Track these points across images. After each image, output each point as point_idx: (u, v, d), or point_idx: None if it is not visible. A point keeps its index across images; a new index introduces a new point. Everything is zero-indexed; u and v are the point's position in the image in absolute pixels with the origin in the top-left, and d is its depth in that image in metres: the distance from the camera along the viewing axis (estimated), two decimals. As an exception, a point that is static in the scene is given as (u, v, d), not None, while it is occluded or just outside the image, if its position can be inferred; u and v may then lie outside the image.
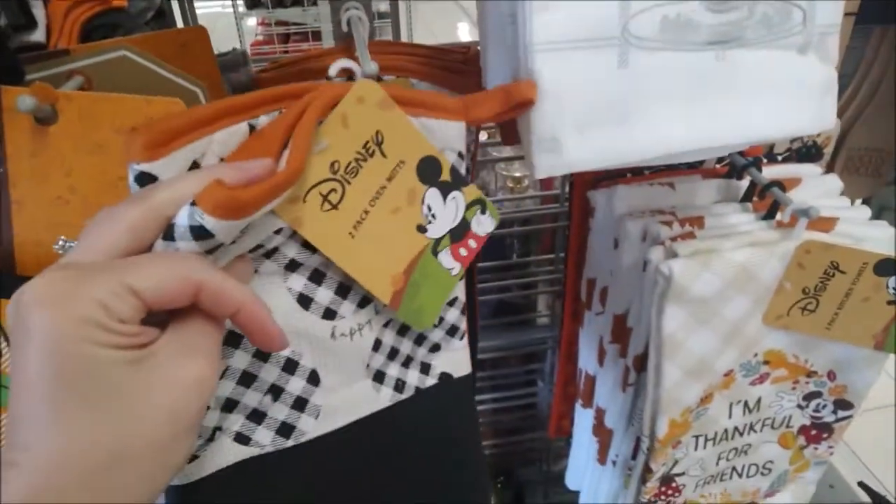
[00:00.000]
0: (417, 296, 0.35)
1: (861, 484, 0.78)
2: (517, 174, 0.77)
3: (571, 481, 0.67)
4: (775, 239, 0.44)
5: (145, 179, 0.26)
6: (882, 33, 0.61)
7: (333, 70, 0.33)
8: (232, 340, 0.31)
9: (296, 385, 0.34)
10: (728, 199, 0.51)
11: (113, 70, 0.36)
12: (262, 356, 0.33)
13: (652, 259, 0.44)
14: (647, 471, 0.50)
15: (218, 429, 0.32)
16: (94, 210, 0.36)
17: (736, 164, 0.50)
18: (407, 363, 0.39)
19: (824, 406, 0.51)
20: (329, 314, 0.34)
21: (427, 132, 0.33)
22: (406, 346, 0.39)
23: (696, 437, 0.50)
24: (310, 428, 0.35)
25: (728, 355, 0.47)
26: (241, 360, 0.32)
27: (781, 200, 0.45)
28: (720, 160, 0.54)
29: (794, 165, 0.53)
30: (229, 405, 0.32)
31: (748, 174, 0.49)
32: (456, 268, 0.37)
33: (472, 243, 0.37)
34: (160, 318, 0.24)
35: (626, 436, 0.54)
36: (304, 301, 0.33)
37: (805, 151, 0.61)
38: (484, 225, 0.37)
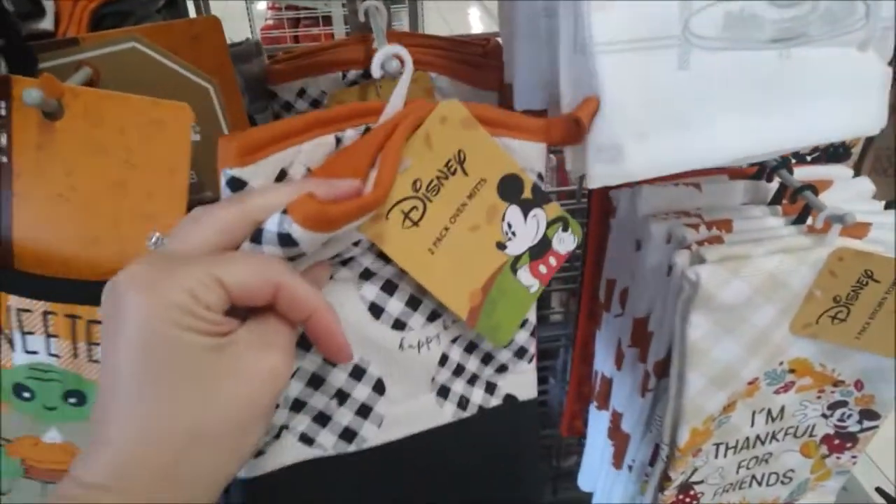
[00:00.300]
0: (494, 312, 0.35)
1: (879, 490, 0.77)
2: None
3: (584, 482, 0.66)
4: (807, 245, 0.43)
5: (236, 184, 0.27)
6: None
7: (377, 63, 0.30)
8: (304, 343, 0.32)
9: (361, 392, 0.34)
10: (756, 202, 0.49)
11: (122, 62, 0.35)
12: (331, 363, 0.33)
13: (678, 263, 0.43)
14: (665, 479, 0.49)
15: (285, 427, 0.33)
16: (93, 212, 0.35)
17: (765, 166, 0.48)
18: (472, 381, 0.39)
19: (849, 416, 0.50)
20: (399, 325, 0.34)
21: (508, 152, 0.33)
22: (472, 364, 0.39)
23: (717, 445, 0.49)
24: (372, 436, 0.35)
25: (753, 364, 0.45)
26: (311, 362, 0.33)
27: (814, 205, 0.43)
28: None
29: (824, 167, 0.51)
30: (297, 405, 0.33)
31: (778, 176, 0.47)
32: (535, 285, 0.36)
33: (553, 261, 0.37)
34: (241, 314, 0.26)
35: (643, 441, 0.52)
36: (376, 310, 0.33)
37: (833, 151, 0.59)
38: (566, 243, 0.37)
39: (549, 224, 0.36)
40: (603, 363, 0.59)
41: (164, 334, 0.23)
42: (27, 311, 0.38)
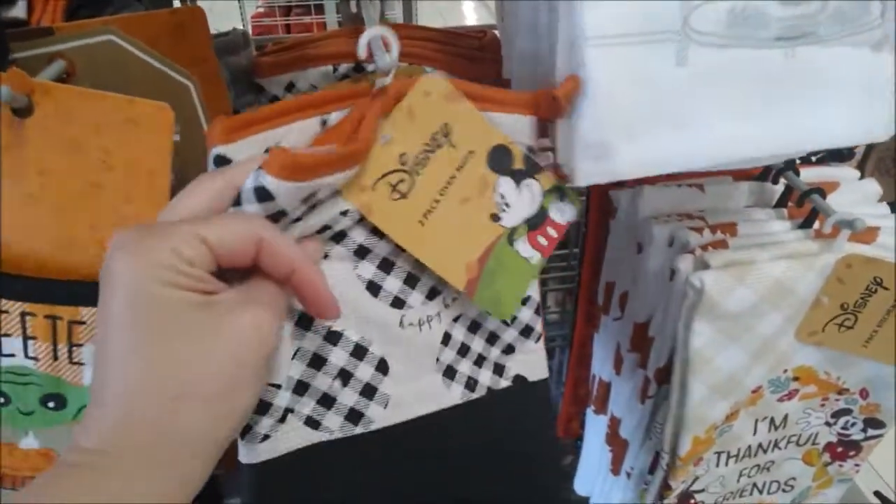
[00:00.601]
0: (493, 284, 0.35)
1: (877, 493, 0.76)
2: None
3: (581, 486, 0.65)
4: (814, 251, 0.41)
5: (221, 161, 0.28)
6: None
7: (363, 43, 0.29)
8: (303, 323, 0.32)
9: (364, 371, 0.34)
10: (761, 204, 0.47)
11: (98, 55, 0.32)
12: (333, 340, 0.33)
13: (681, 269, 0.41)
14: (665, 487, 0.48)
15: (290, 410, 0.33)
16: (68, 213, 0.33)
17: (771, 167, 0.46)
18: (479, 362, 0.38)
19: (853, 424, 0.49)
20: (397, 303, 0.34)
21: (496, 126, 0.33)
22: (478, 345, 0.38)
23: (719, 453, 0.48)
24: (378, 417, 0.35)
25: (757, 371, 0.44)
26: (311, 342, 0.32)
27: (822, 210, 0.42)
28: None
29: (829, 168, 0.50)
30: (300, 387, 0.33)
31: (784, 178, 0.45)
32: (535, 256, 0.36)
33: (552, 231, 0.36)
34: (230, 281, 0.27)
35: (642, 448, 0.51)
36: (374, 288, 0.33)
37: (836, 152, 0.57)
38: (565, 213, 0.37)
39: (546, 194, 0.35)
40: (601, 367, 0.57)
41: (150, 292, 0.23)
42: (4, 312, 0.36)
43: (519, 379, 0.39)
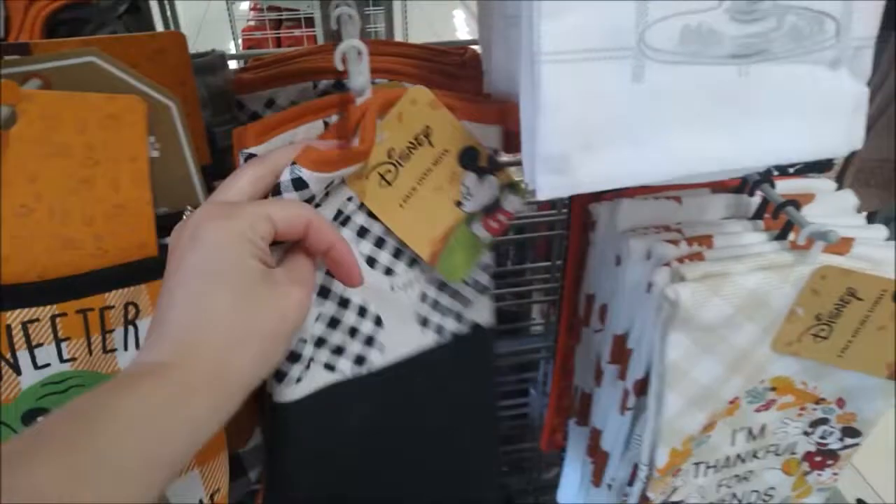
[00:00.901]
0: (452, 256, 0.43)
1: (860, 502, 0.76)
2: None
3: (563, 497, 0.65)
4: (789, 262, 0.42)
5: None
6: (893, 40, 0.58)
7: (338, 56, 0.35)
8: (323, 293, 0.40)
9: (367, 326, 0.43)
10: (738, 216, 0.48)
11: (78, 76, 0.33)
12: (345, 304, 0.41)
13: (657, 282, 0.42)
14: (644, 500, 0.48)
15: (312, 359, 0.41)
16: (63, 214, 0.35)
17: (747, 179, 0.47)
18: (445, 313, 0.47)
19: (831, 433, 0.49)
20: (388, 272, 0.43)
21: (468, 131, 0.40)
22: (445, 300, 0.47)
23: (697, 464, 0.48)
24: (377, 359, 0.44)
25: (734, 383, 0.44)
26: (329, 308, 0.41)
27: (797, 222, 0.42)
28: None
29: (806, 180, 0.50)
30: (320, 342, 0.41)
31: (760, 190, 0.46)
32: (487, 236, 0.45)
33: (502, 217, 0.45)
34: (277, 256, 0.33)
35: (622, 460, 0.51)
36: (371, 262, 0.42)
37: (815, 163, 0.58)
38: (513, 203, 0.45)
39: (501, 188, 0.44)
40: (583, 378, 0.58)
41: (231, 255, 0.29)
42: (34, 321, 0.36)
43: (475, 325, 0.49)
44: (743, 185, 0.48)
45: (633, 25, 0.29)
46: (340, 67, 0.35)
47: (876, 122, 0.62)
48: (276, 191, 0.33)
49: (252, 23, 2.21)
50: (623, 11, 0.29)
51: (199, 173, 0.37)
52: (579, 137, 0.30)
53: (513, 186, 0.44)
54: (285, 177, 0.33)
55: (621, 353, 0.49)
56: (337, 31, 0.44)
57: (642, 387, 0.47)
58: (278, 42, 2.14)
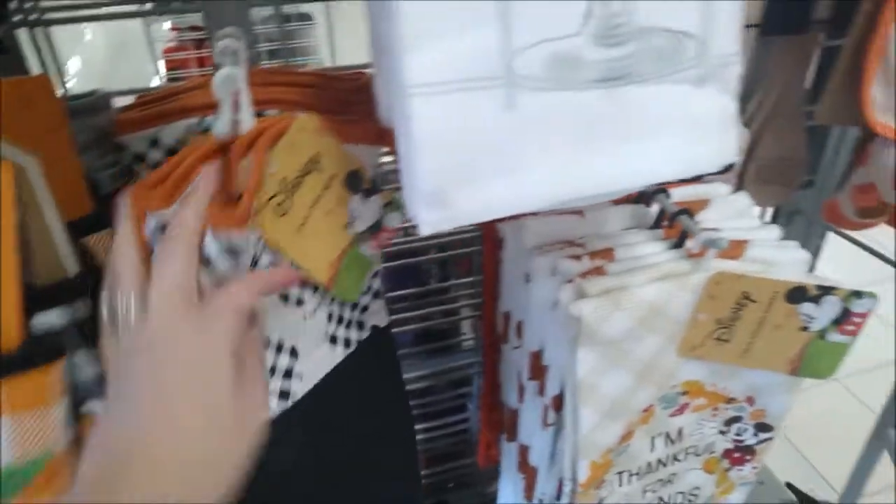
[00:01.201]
0: (346, 278, 0.44)
1: (788, 485, 0.79)
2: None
3: (502, 514, 0.65)
4: (685, 270, 0.43)
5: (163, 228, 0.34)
6: (785, 43, 0.61)
7: (213, 87, 0.35)
8: None
9: (284, 361, 0.44)
10: (639, 226, 0.49)
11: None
12: (265, 346, 0.41)
13: (562, 299, 0.42)
14: (571, 514, 0.48)
15: None
16: None
17: (644, 191, 0.48)
18: (349, 325, 0.49)
19: (745, 430, 0.50)
20: (299, 303, 0.43)
21: (353, 154, 0.42)
22: (347, 313, 0.49)
23: (620, 473, 0.48)
24: (299, 389, 0.45)
25: (645, 391, 0.45)
26: None
27: (690, 230, 0.43)
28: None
29: (702, 186, 0.52)
30: None
31: (656, 201, 0.47)
32: (373, 254, 0.46)
33: (385, 235, 0.47)
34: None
35: (549, 475, 0.51)
36: (284, 297, 0.42)
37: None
38: (394, 220, 0.47)
39: (383, 207, 0.45)
40: (508, 395, 0.58)
41: (210, 374, 0.29)
42: None
43: (374, 327, 0.52)
44: (641, 195, 0.49)
45: (499, 54, 0.29)
46: (217, 96, 0.35)
47: (771, 123, 0.64)
48: (205, 263, 0.33)
49: (172, 43, 2.15)
50: (488, 40, 0.29)
51: (67, 240, 0.34)
52: (456, 171, 0.30)
53: (393, 204, 0.46)
54: (213, 251, 0.33)
55: (539, 369, 0.49)
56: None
57: (559, 402, 0.47)
58: (201, 62, 2.09)
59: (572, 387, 0.43)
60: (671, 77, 0.32)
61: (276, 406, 0.43)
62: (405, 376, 0.76)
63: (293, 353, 0.44)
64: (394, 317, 0.74)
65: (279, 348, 0.43)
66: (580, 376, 0.42)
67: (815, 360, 0.45)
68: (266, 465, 0.42)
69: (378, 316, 0.52)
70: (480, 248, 0.70)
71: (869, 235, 0.67)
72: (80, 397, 0.36)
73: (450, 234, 0.70)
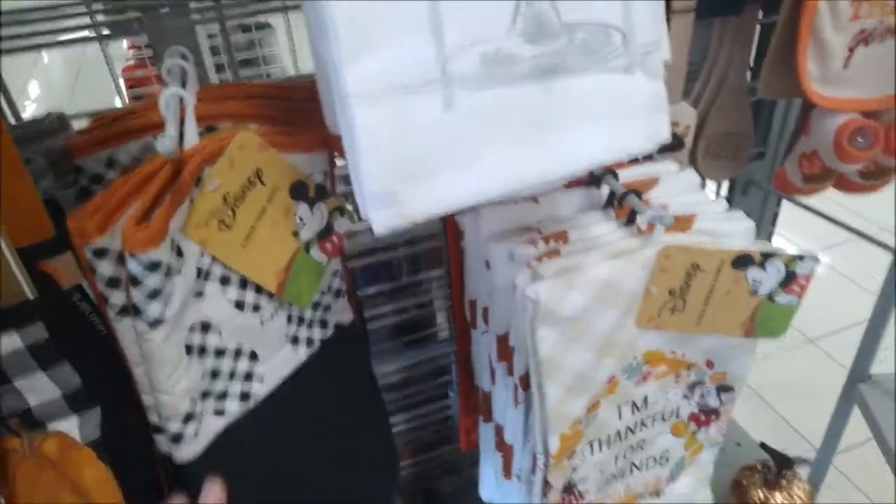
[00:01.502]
0: (297, 283, 0.46)
1: (762, 445, 0.82)
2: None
3: (485, 493, 0.67)
4: (636, 247, 0.45)
5: (100, 254, 0.36)
6: (723, 23, 0.63)
7: (160, 105, 0.37)
8: (202, 350, 0.41)
9: (243, 364, 0.45)
10: (591, 207, 0.51)
11: None
12: (221, 354, 0.43)
13: (519, 284, 0.44)
14: (546, 485, 0.50)
15: (202, 413, 0.42)
16: None
17: (593, 173, 0.50)
18: (311, 325, 0.51)
19: (708, 392, 0.53)
20: (256, 308, 0.44)
21: (297, 163, 0.43)
22: (308, 313, 0.50)
23: (591, 442, 0.51)
24: (260, 390, 0.46)
25: (607, 364, 0.47)
26: (209, 363, 0.42)
27: (637, 209, 0.45)
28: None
29: (651, 165, 0.54)
30: (205, 394, 0.42)
31: (605, 183, 0.49)
32: (324, 258, 0.48)
33: (335, 239, 0.48)
34: None
35: (524, 450, 0.53)
36: (239, 305, 0.43)
37: (667, 144, 0.62)
38: (343, 224, 0.48)
39: (330, 212, 0.47)
40: (480, 378, 0.60)
41: None
42: None
43: (337, 326, 0.53)
44: (592, 179, 0.51)
45: (433, 58, 0.31)
46: (164, 116, 0.37)
47: (717, 101, 0.66)
48: (134, 281, 0.34)
49: (132, 62, 2.13)
50: (422, 46, 0.31)
51: (19, 265, 0.35)
52: (401, 171, 0.32)
53: (341, 209, 0.47)
54: (134, 269, 0.34)
55: (505, 351, 0.51)
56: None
57: (527, 381, 0.49)
58: (161, 79, 2.07)
59: (536, 365, 0.45)
60: (600, 67, 0.34)
61: (236, 408, 0.45)
62: (384, 370, 0.78)
63: (253, 356, 0.45)
64: (369, 312, 0.76)
65: (237, 354, 0.44)
66: (542, 355, 0.44)
67: (766, 322, 0.48)
68: (233, 466, 0.43)
69: (341, 314, 0.53)
70: (443, 243, 0.72)
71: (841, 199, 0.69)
72: (39, 419, 0.37)
73: (415, 229, 0.71)
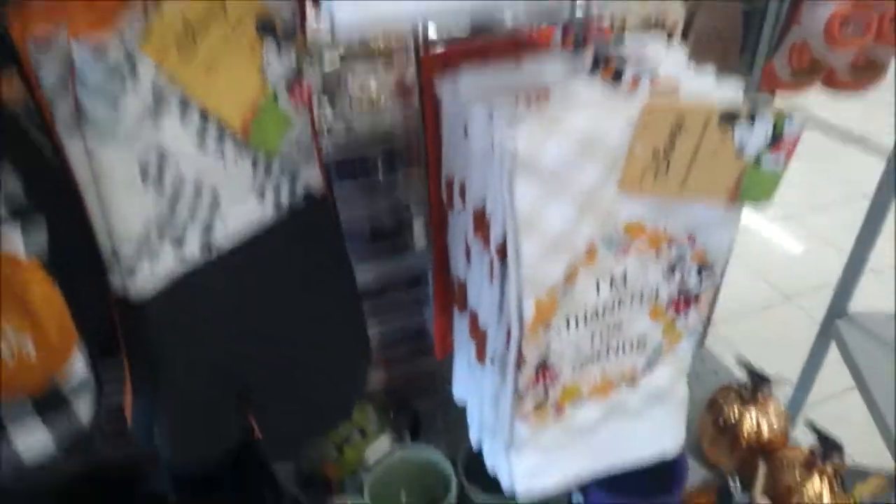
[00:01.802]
0: (262, 128, 0.44)
1: (739, 361, 0.81)
2: (373, 93, 0.73)
3: (458, 391, 0.66)
4: (620, 101, 0.43)
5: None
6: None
7: None
8: (160, 176, 0.40)
9: (205, 207, 0.43)
10: (577, 73, 0.49)
11: None
12: (180, 184, 0.41)
13: (496, 134, 0.42)
14: (520, 360, 0.49)
15: (159, 250, 0.41)
16: None
17: (578, 38, 0.48)
18: (279, 180, 0.49)
19: (688, 273, 0.52)
20: (218, 149, 0.42)
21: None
22: (275, 166, 0.48)
23: (567, 318, 0.49)
24: (222, 240, 0.45)
25: (586, 226, 0.45)
26: (167, 190, 0.40)
27: (621, 62, 0.43)
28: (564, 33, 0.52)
29: (639, 41, 0.52)
30: (162, 230, 0.41)
31: (593, 45, 0.47)
32: (292, 108, 0.46)
33: (304, 85, 0.47)
34: None
35: (498, 330, 0.52)
36: (200, 141, 0.41)
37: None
38: (309, 74, 0.47)
39: (299, 56, 0.45)
40: (456, 265, 0.58)
41: None
42: None
43: (307, 195, 0.51)
44: (577, 45, 0.49)
45: None
46: None
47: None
48: (81, 78, 0.32)
49: None
50: None
51: None
52: None
53: (308, 55, 0.48)
54: (81, 59, 0.32)
55: (482, 223, 0.50)
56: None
57: (504, 249, 0.48)
58: None
59: (513, 223, 0.44)
60: None
61: (198, 255, 0.43)
62: (359, 278, 0.76)
63: (215, 200, 0.44)
64: (343, 211, 0.73)
65: (197, 193, 0.43)
66: (520, 209, 0.43)
67: (752, 188, 0.46)
68: (195, 316, 0.43)
69: (311, 178, 0.51)
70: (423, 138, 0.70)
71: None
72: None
73: (392, 127, 0.69)
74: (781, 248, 2.32)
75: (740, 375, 0.87)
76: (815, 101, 0.76)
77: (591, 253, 0.47)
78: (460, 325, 0.61)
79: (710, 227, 0.49)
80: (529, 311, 0.46)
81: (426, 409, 0.87)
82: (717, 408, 0.82)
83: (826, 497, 0.70)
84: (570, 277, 0.47)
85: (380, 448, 0.75)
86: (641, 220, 0.48)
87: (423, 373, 0.87)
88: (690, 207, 0.48)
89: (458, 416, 0.66)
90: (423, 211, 0.77)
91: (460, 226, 0.54)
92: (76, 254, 0.37)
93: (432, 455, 0.72)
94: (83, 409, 0.39)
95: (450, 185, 0.54)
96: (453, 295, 0.62)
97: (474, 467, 0.68)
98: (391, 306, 0.83)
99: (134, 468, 0.72)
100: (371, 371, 0.85)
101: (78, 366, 0.38)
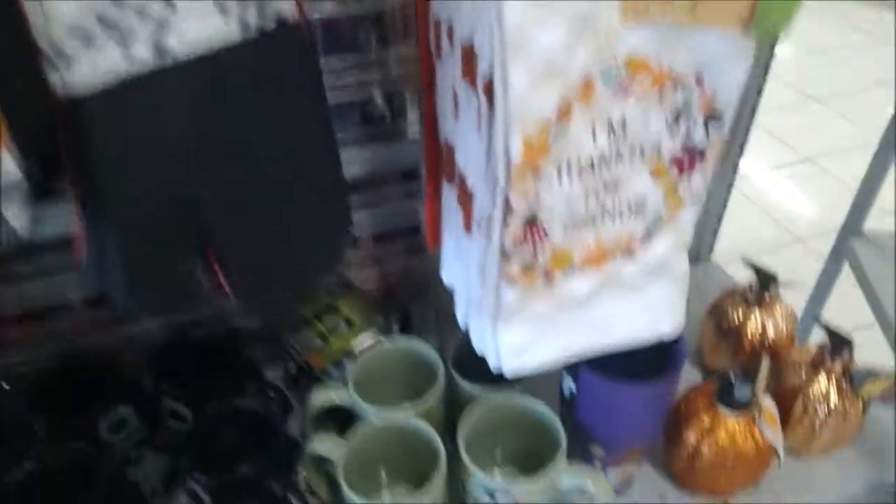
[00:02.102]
0: None
1: (745, 261, 0.77)
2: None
3: (446, 274, 0.62)
4: None
5: None
6: None
7: None
8: None
9: (155, 8, 0.38)
10: None
11: None
12: None
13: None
14: (507, 210, 0.45)
15: (101, 43, 0.37)
16: None
17: None
18: (245, 2, 0.43)
19: (695, 124, 0.47)
20: None
21: None
22: None
23: (559, 166, 0.45)
24: (178, 47, 0.40)
25: (584, 52, 0.41)
26: None
27: None
28: None
29: None
30: (106, 22, 0.36)
31: None
32: None
33: None
34: None
35: (486, 185, 0.48)
36: None
37: None
38: None
39: None
40: (444, 123, 0.54)
41: None
42: None
43: (280, 21, 0.46)
44: None
45: None
46: None
47: None
48: None
49: None
50: None
51: None
52: None
53: None
54: None
55: (470, 62, 0.45)
56: None
57: (491, 87, 0.43)
58: None
59: (500, 45, 0.39)
60: None
61: (148, 57, 0.40)
62: (347, 167, 0.72)
63: (168, 2, 0.40)
64: (332, 92, 0.69)
65: None
66: (508, 27, 0.38)
67: (766, 15, 0.41)
68: (144, 123, 0.40)
69: (285, 7, 0.47)
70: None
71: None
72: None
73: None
74: (795, 192, 2.27)
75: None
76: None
77: (587, 87, 0.43)
78: (449, 199, 0.57)
79: (720, 63, 0.44)
80: (517, 149, 0.42)
81: (418, 310, 0.84)
82: (720, 312, 0.78)
83: (833, 396, 0.67)
84: (563, 114, 0.43)
85: (366, 340, 0.72)
86: (645, 53, 0.43)
87: (415, 271, 0.84)
88: (699, 40, 0.43)
89: (449, 317, 0.63)
90: (416, 100, 0.73)
91: (449, 71, 0.50)
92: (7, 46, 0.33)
93: (420, 347, 0.69)
94: (14, 213, 0.36)
95: (437, 28, 0.50)
96: (443, 168, 0.58)
97: (464, 361, 0.65)
98: (384, 201, 0.79)
99: (108, 358, 0.70)
100: (361, 268, 0.82)
101: (7, 165, 0.34)
